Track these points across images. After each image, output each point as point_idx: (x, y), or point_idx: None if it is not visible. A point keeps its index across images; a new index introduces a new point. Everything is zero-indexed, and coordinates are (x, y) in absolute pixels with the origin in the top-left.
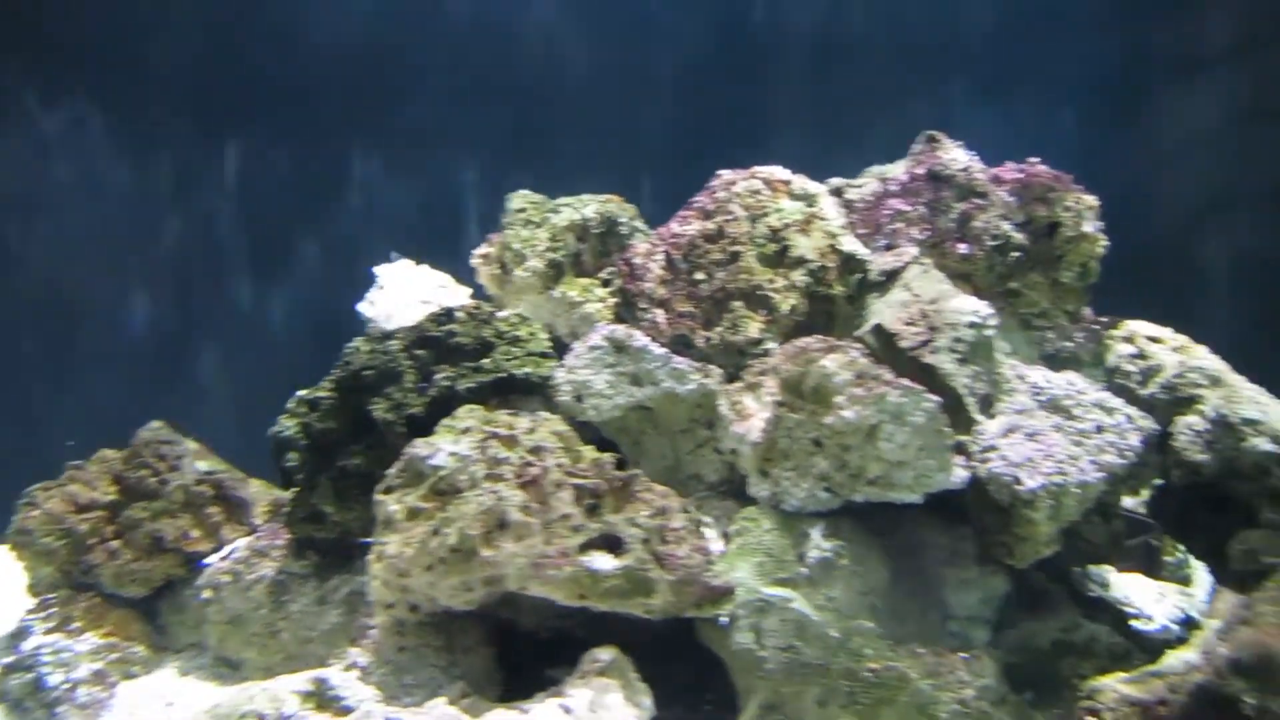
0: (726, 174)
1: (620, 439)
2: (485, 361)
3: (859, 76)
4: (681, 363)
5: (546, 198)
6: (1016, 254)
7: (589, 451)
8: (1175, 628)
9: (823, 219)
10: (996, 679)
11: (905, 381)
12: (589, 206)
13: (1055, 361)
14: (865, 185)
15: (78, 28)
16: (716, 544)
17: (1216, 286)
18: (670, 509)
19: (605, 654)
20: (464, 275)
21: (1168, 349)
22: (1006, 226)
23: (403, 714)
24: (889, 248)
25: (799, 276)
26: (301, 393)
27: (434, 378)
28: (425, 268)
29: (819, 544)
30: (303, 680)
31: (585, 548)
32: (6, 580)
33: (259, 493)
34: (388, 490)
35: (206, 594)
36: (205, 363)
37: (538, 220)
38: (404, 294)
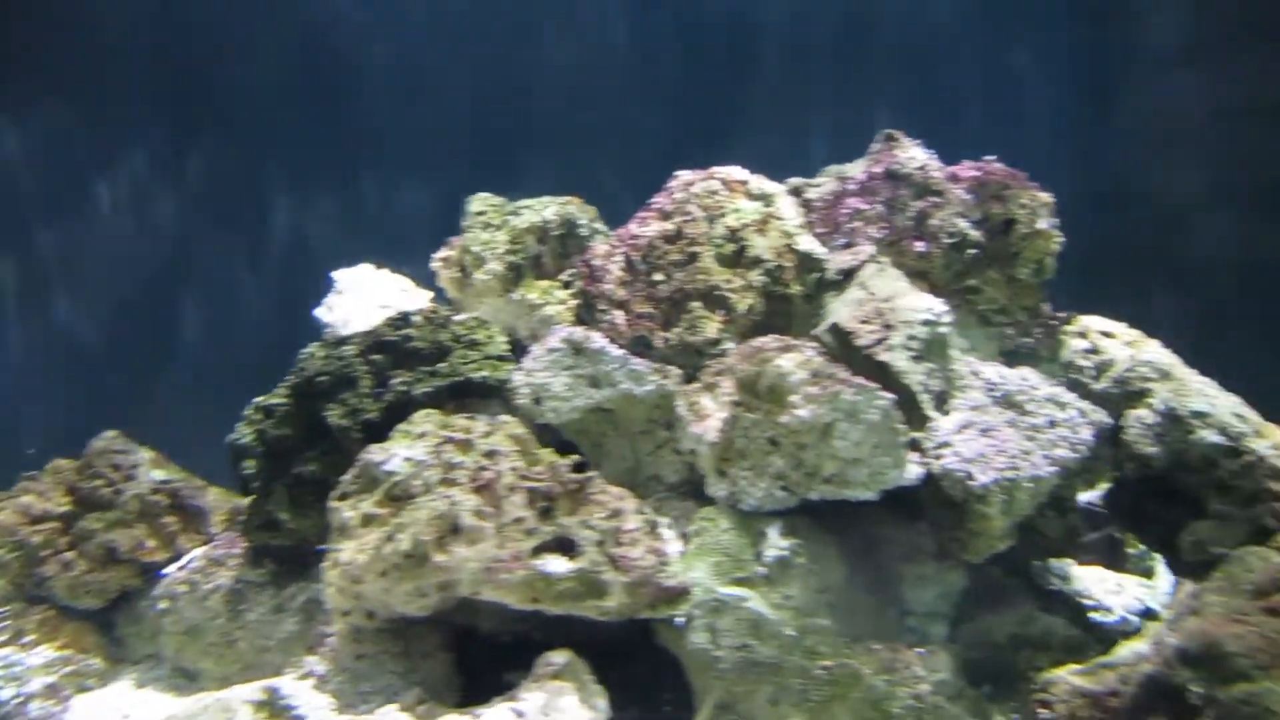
0: (685, 174)
1: (580, 441)
2: (442, 365)
3: (831, 74)
4: (639, 364)
5: (506, 200)
6: (973, 251)
7: (546, 454)
8: (1134, 619)
9: (779, 219)
10: (952, 673)
11: (859, 380)
12: (548, 209)
13: (1015, 358)
14: (824, 184)
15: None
16: (676, 545)
17: (1191, 282)
18: (625, 511)
19: (559, 657)
20: (427, 280)
21: (1120, 344)
22: (963, 224)
23: None
24: (848, 246)
25: (756, 276)
26: (258, 399)
27: (390, 383)
28: (385, 272)
29: (776, 543)
30: (255, 690)
31: (539, 551)
32: None
33: (218, 501)
34: (342, 497)
35: (163, 604)
36: (170, 368)
37: (497, 223)
38: (363, 299)
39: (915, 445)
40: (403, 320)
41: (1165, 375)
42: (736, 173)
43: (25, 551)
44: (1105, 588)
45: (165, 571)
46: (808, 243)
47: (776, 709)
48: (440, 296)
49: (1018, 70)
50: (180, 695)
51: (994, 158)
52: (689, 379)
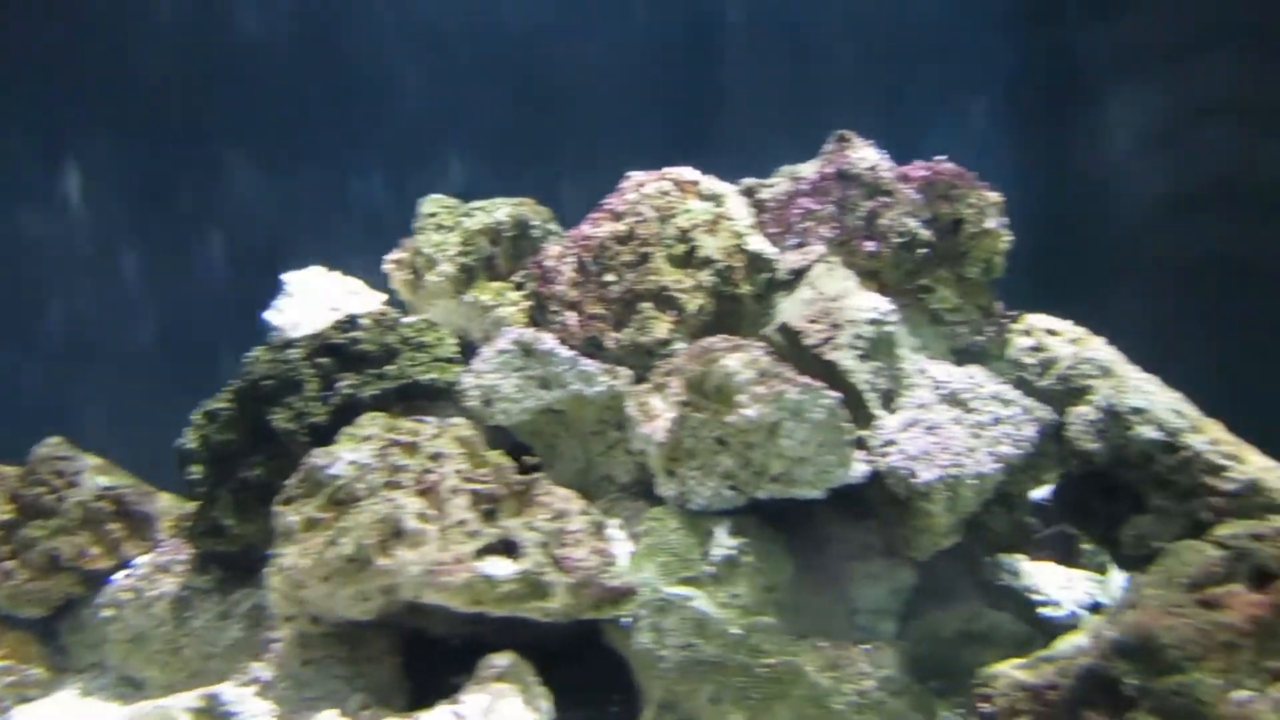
0: (637, 175)
1: (533, 442)
2: (390, 368)
3: (809, 74)
4: (589, 365)
5: (459, 201)
6: (923, 251)
7: (494, 456)
8: (1084, 613)
9: (730, 219)
10: (898, 669)
11: (805, 379)
12: (501, 210)
13: (967, 356)
14: (778, 184)
15: None
16: (626, 545)
17: (1155, 282)
18: (569, 512)
19: (502, 659)
20: (380, 282)
21: (1064, 341)
22: (912, 224)
23: None
24: (799, 246)
25: (706, 277)
26: (204, 404)
27: (337, 386)
28: (336, 274)
29: (724, 542)
30: (194, 697)
31: (482, 553)
32: None
33: (170, 506)
34: (287, 501)
35: (108, 612)
36: (120, 372)
37: (450, 224)
38: (313, 301)
39: (862, 443)
40: (350, 323)
41: (1107, 372)
42: (688, 173)
43: None
44: (1056, 583)
45: (112, 579)
46: (758, 243)
47: (718, 707)
48: (393, 299)
49: (979, 75)
50: (125, 704)
51: (944, 157)
52: (640, 379)
